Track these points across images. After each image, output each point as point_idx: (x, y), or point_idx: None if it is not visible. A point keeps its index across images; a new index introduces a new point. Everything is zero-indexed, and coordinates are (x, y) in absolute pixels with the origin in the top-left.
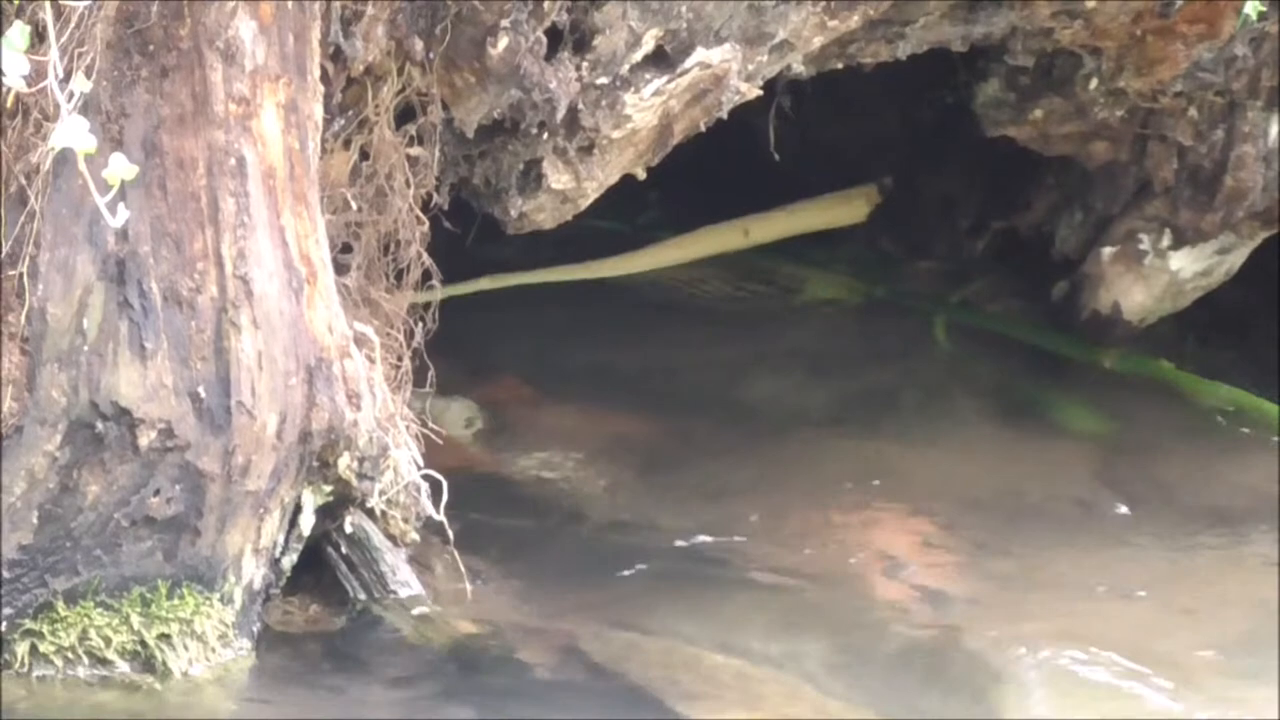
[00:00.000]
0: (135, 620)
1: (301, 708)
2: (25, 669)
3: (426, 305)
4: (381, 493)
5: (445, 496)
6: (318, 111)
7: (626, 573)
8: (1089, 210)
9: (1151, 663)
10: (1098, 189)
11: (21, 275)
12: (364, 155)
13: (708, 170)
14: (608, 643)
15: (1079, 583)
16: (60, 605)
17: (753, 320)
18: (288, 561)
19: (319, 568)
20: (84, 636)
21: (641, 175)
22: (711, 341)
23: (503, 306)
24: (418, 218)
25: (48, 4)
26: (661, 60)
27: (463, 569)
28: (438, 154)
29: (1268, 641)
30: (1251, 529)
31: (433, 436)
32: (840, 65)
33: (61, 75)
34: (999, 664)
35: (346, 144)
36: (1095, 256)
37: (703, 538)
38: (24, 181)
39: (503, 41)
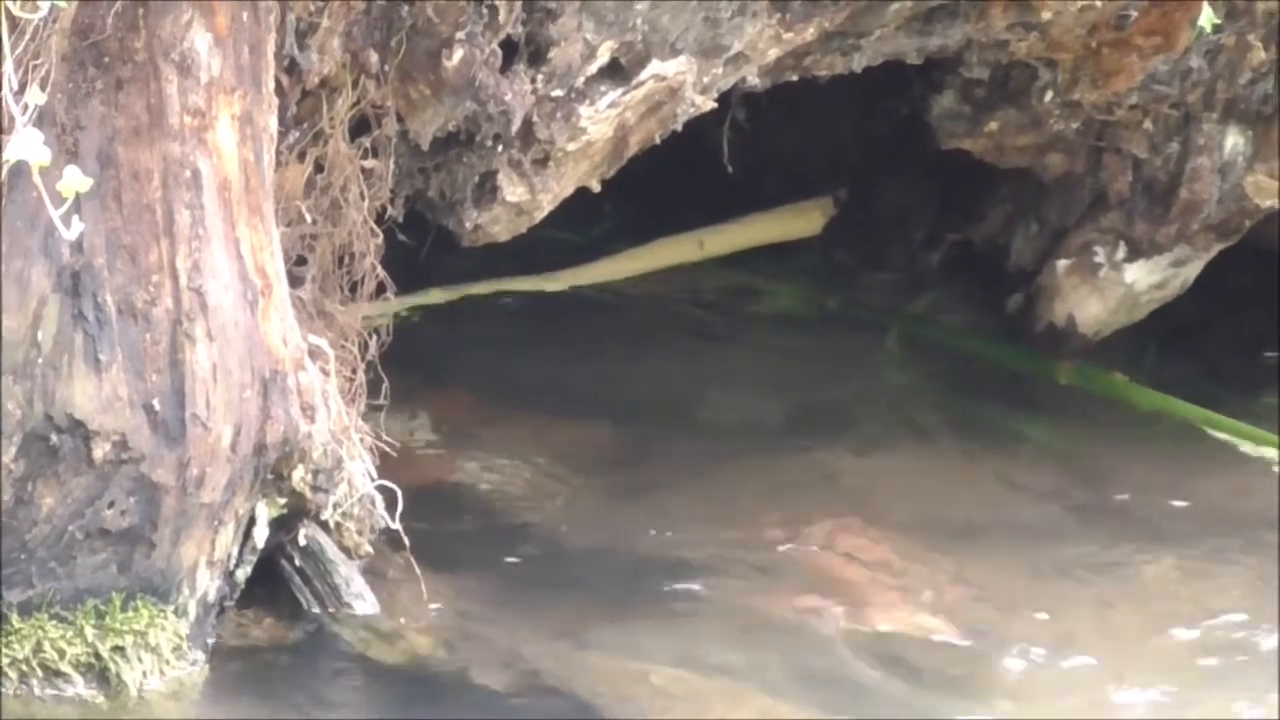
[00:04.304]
0: (89, 632)
1: None
2: None
3: (381, 317)
4: (336, 505)
5: (400, 508)
6: (273, 124)
7: (579, 585)
8: (1044, 222)
9: (1110, 669)
10: (1053, 201)
11: None
12: (319, 168)
13: (663, 182)
14: (560, 659)
15: (1034, 596)
16: (14, 618)
17: (707, 332)
18: (242, 574)
19: (274, 581)
20: (38, 649)
21: (596, 187)
22: (665, 353)
23: (457, 318)
24: (372, 230)
25: (2, 16)
26: (617, 72)
27: (421, 581)
28: (392, 166)
29: (1233, 650)
30: (1209, 540)
31: (387, 449)
32: (795, 77)
33: (16, 88)
34: (959, 676)
35: (301, 156)
36: (1050, 269)
37: (655, 550)
38: None
39: (458, 54)
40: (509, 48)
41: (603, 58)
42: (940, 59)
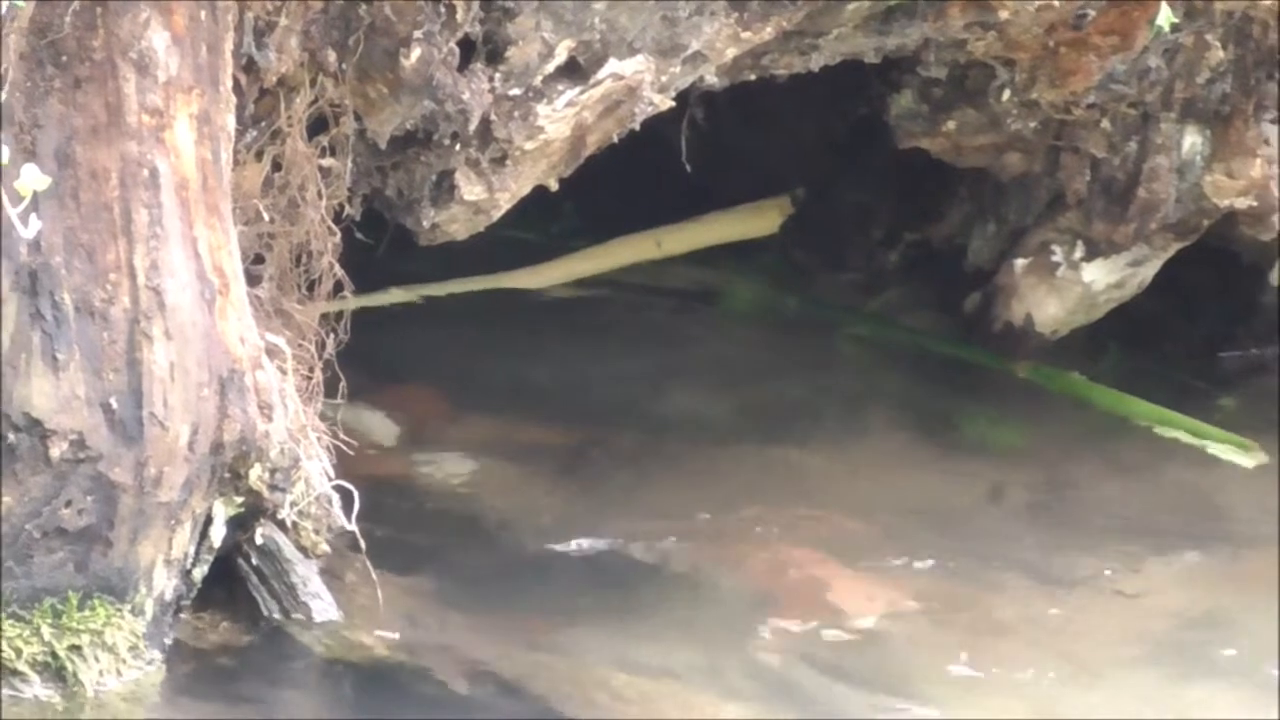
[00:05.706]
0: (46, 631)
1: None
2: None
3: (339, 316)
4: (293, 504)
5: (357, 507)
6: (230, 123)
7: (538, 585)
8: (1002, 222)
9: (1065, 669)
10: (1010, 200)
11: None
12: (276, 166)
13: (621, 181)
14: (518, 660)
15: (993, 593)
16: None
17: (666, 331)
18: (199, 573)
19: (231, 581)
20: None
21: (554, 186)
22: (624, 352)
23: (415, 318)
24: (330, 229)
25: None
26: (575, 71)
27: (376, 581)
28: (350, 165)
29: (1206, 649)
30: (1172, 539)
31: (344, 447)
32: (753, 76)
33: None
34: (908, 675)
35: (259, 155)
36: (1008, 268)
37: (615, 550)
38: None
39: (415, 52)
40: (467, 47)
41: (561, 57)
42: (898, 58)
